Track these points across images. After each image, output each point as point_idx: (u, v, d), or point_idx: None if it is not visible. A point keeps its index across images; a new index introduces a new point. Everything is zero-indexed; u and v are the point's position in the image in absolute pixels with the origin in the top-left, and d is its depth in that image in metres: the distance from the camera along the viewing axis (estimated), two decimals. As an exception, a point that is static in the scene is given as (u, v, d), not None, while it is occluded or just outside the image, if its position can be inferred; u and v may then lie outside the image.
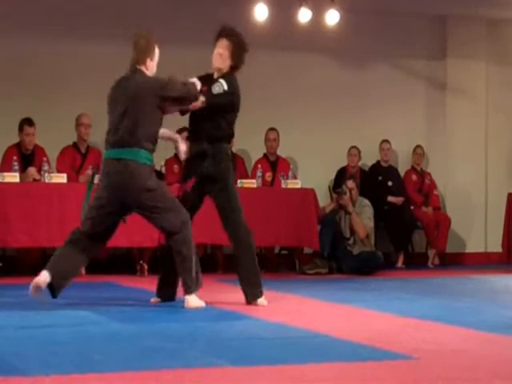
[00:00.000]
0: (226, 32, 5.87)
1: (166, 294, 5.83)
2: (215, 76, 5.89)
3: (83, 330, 4.61)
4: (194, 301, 5.46)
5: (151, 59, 5.48)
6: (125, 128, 5.34)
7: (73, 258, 5.43)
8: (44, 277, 5.30)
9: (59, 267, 5.38)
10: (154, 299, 5.85)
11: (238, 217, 5.77)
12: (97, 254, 5.63)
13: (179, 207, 5.49)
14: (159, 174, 5.66)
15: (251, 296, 5.73)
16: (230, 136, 5.95)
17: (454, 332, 4.64)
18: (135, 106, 5.33)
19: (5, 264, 8.35)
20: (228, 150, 5.95)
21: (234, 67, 5.90)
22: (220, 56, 5.83)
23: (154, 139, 5.44)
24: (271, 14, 9.37)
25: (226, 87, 5.77)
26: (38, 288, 5.31)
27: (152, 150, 5.43)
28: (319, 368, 3.57)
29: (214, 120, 5.76)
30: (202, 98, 5.68)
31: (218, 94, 5.75)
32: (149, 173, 5.39)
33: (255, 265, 5.78)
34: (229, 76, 5.86)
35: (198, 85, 5.59)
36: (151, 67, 5.50)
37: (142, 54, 5.45)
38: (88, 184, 6.01)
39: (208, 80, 5.85)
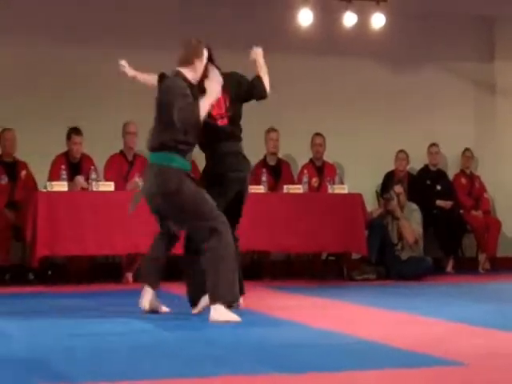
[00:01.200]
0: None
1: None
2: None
3: (131, 338, 4.61)
4: (222, 313, 5.11)
5: (199, 59, 5.39)
6: (156, 132, 5.34)
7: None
8: (149, 293, 5.54)
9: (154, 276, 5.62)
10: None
11: None
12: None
13: (208, 213, 5.23)
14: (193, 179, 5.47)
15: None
16: None
17: (506, 338, 4.55)
18: (162, 110, 5.31)
19: (53, 272, 8.42)
20: None
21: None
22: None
23: (183, 142, 5.30)
24: (316, 19, 9.34)
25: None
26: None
27: (183, 152, 5.27)
28: (368, 375, 3.52)
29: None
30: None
31: None
32: (175, 176, 5.24)
33: None
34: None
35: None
36: (198, 67, 5.39)
37: (190, 54, 5.39)
38: (133, 202, 5.75)
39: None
